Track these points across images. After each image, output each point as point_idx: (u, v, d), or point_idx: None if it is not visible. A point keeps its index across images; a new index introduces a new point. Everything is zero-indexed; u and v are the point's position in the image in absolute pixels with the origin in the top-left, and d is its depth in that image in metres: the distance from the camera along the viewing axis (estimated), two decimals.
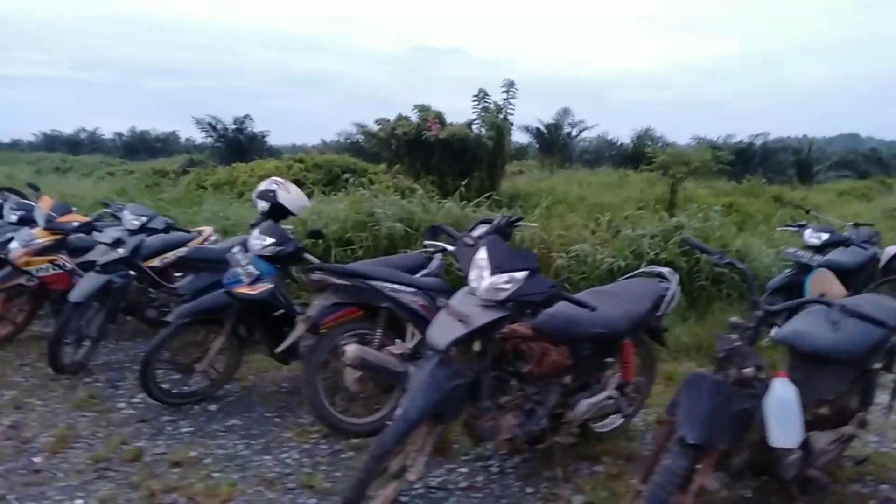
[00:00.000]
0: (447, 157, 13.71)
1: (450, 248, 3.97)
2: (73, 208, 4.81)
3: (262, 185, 3.76)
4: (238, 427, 3.40)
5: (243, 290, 3.46)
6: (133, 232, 4.30)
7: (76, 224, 4.63)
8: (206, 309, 3.54)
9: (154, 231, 4.44)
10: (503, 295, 2.39)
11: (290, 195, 3.73)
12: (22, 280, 4.51)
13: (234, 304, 3.53)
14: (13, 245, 4.53)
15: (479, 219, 3.99)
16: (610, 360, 2.91)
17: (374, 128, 14.66)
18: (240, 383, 3.97)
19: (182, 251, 4.79)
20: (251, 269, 3.48)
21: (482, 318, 2.37)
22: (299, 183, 15.75)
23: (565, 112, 25.77)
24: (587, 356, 2.72)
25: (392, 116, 14.45)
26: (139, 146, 35.57)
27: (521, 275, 2.38)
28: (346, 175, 15.72)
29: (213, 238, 5.32)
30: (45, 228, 4.57)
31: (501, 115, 14.35)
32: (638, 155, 21.33)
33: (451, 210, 6.52)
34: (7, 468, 2.90)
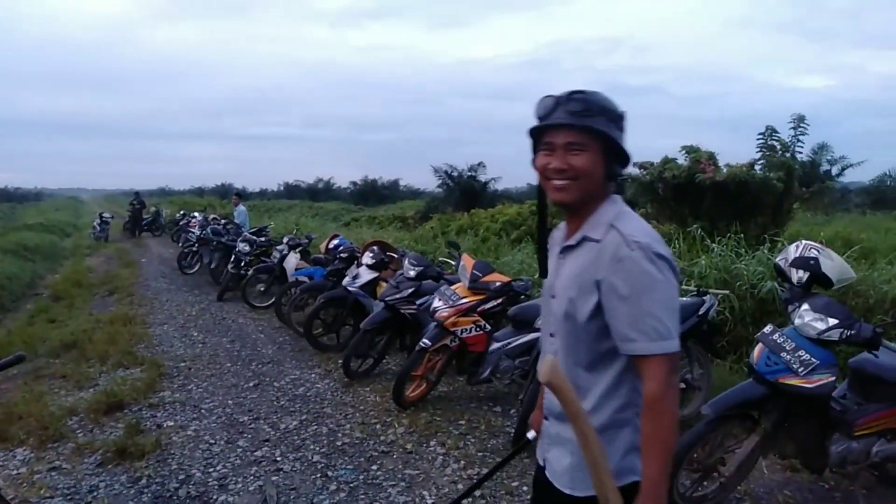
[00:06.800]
0: (721, 201, 12.51)
1: None
2: (494, 267, 4.62)
3: (795, 251, 3.09)
4: None
5: (794, 381, 2.79)
6: None
7: (498, 284, 4.43)
8: (742, 402, 2.92)
9: None
10: None
11: (834, 263, 3.01)
12: (447, 341, 4.36)
13: (775, 397, 2.87)
14: (437, 304, 4.43)
15: None
16: None
17: (635, 171, 13.91)
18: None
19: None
20: (804, 355, 2.80)
21: None
22: None
23: (822, 148, 22.81)
24: None
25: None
26: (369, 193, 38.70)
27: None
28: None
29: None
30: (469, 288, 4.41)
31: (789, 154, 12.83)
32: None
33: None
34: None
